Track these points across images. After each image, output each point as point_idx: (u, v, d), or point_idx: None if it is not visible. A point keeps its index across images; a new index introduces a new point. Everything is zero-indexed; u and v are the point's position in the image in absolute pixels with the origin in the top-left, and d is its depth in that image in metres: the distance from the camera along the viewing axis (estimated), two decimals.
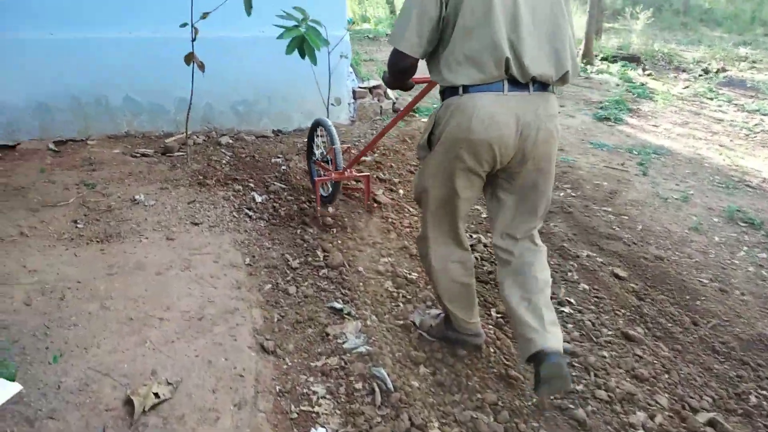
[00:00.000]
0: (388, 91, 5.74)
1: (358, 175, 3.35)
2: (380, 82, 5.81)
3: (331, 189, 3.41)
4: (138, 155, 3.99)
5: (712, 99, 6.89)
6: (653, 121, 5.74)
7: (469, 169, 1.81)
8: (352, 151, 3.73)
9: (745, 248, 3.26)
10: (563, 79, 1.80)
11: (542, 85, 1.76)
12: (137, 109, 4.31)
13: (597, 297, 2.69)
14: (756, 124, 5.80)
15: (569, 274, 2.86)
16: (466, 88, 1.73)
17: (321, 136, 3.54)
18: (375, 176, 4.03)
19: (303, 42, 3.34)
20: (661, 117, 5.92)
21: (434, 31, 1.75)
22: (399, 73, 1.92)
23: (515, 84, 1.72)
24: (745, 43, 12.70)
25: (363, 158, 3.97)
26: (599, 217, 3.58)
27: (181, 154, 4.06)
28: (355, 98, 5.34)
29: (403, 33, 1.76)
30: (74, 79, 4.05)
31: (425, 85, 2.35)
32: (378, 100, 5.51)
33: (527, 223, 1.94)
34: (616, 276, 2.87)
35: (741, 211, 3.69)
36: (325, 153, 3.45)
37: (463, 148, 1.77)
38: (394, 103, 5.59)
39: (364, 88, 5.53)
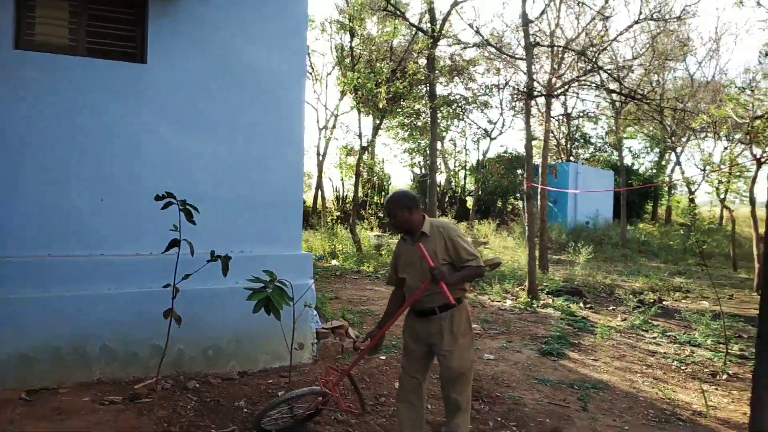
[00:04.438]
0: (350, 330, 6.22)
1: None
2: (343, 322, 6.33)
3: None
4: (106, 403, 4.21)
5: (647, 331, 7.53)
6: (593, 355, 6.24)
7: None
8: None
9: None
10: None
11: None
12: (112, 357, 4.64)
13: None
14: (687, 356, 6.34)
15: None
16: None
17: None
18: None
19: (269, 302, 3.90)
20: (600, 351, 6.44)
21: None
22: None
23: None
24: (679, 273, 14.05)
25: None
26: None
27: (148, 400, 4.29)
28: (318, 338, 5.78)
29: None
30: (59, 332, 4.45)
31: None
32: (339, 340, 5.95)
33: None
34: None
35: None
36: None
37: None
38: (354, 342, 6.03)
39: (327, 329, 6.01)
